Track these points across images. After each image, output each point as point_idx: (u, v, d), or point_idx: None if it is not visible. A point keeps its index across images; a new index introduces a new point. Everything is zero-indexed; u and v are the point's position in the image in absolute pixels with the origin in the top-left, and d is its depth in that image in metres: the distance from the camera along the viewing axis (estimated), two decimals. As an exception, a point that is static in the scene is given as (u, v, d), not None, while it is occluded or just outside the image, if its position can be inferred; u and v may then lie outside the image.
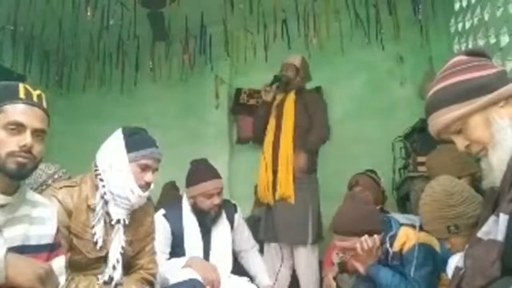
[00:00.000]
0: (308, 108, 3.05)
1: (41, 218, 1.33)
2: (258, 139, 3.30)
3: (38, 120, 1.25)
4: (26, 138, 1.21)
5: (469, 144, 1.18)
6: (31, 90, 1.27)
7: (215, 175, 2.33)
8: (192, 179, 2.33)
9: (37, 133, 1.25)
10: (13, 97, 1.23)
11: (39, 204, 1.35)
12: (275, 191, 2.93)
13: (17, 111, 1.22)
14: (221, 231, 2.36)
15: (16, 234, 1.22)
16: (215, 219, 2.32)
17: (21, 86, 1.26)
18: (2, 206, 1.19)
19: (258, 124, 3.22)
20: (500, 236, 1.00)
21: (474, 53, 1.24)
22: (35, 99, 1.27)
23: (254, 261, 2.51)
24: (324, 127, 3.09)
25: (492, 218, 1.07)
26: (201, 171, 2.35)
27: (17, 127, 1.21)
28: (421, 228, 1.81)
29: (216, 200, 2.27)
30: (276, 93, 3.14)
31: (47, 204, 1.41)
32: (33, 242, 1.27)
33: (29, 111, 1.24)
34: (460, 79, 1.18)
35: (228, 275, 2.28)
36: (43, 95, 1.30)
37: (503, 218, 1.00)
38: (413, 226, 1.86)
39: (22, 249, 1.21)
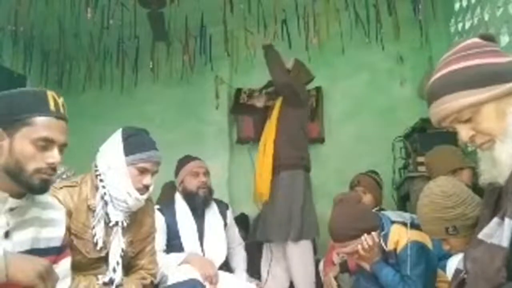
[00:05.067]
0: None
1: (51, 220, 1.30)
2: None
3: (65, 134, 1.21)
4: (55, 155, 1.17)
5: (474, 134, 1.08)
6: (57, 99, 1.21)
7: (198, 159, 2.56)
8: (178, 166, 2.56)
9: (61, 148, 1.21)
10: (43, 109, 1.17)
11: (49, 205, 1.33)
12: None
13: (47, 126, 1.16)
14: (213, 219, 2.48)
15: (26, 237, 1.20)
16: (205, 203, 2.45)
17: (49, 96, 1.20)
18: (12, 209, 1.16)
19: (257, 127, 3.32)
20: (505, 242, 0.98)
21: (486, 37, 1.13)
22: (61, 110, 1.21)
23: (236, 256, 2.64)
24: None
25: (495, 220, 1.04)
26: (185, 158, 2.58)
27: (46, 143, 1.16)
28: (412, 226, 1.82)
29: (203, 178, 2.44)
30: (272, 97, 3.19)
31: (58, 206, 1.39)
32: (42, 245, 1.25)
33: (57, 126, 1.19)
34: (476, 63, 1.06)
35: (222, 260, 2.39)
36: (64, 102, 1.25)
37: (509, 223, 0.97)
38: (404, 224, 1.85)
39: (31, 253, 1.18)
